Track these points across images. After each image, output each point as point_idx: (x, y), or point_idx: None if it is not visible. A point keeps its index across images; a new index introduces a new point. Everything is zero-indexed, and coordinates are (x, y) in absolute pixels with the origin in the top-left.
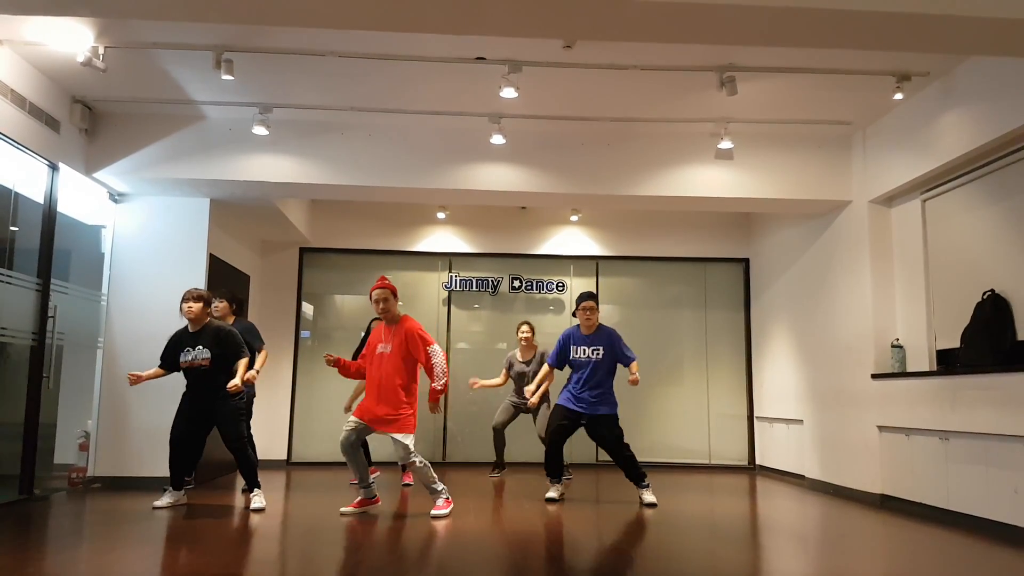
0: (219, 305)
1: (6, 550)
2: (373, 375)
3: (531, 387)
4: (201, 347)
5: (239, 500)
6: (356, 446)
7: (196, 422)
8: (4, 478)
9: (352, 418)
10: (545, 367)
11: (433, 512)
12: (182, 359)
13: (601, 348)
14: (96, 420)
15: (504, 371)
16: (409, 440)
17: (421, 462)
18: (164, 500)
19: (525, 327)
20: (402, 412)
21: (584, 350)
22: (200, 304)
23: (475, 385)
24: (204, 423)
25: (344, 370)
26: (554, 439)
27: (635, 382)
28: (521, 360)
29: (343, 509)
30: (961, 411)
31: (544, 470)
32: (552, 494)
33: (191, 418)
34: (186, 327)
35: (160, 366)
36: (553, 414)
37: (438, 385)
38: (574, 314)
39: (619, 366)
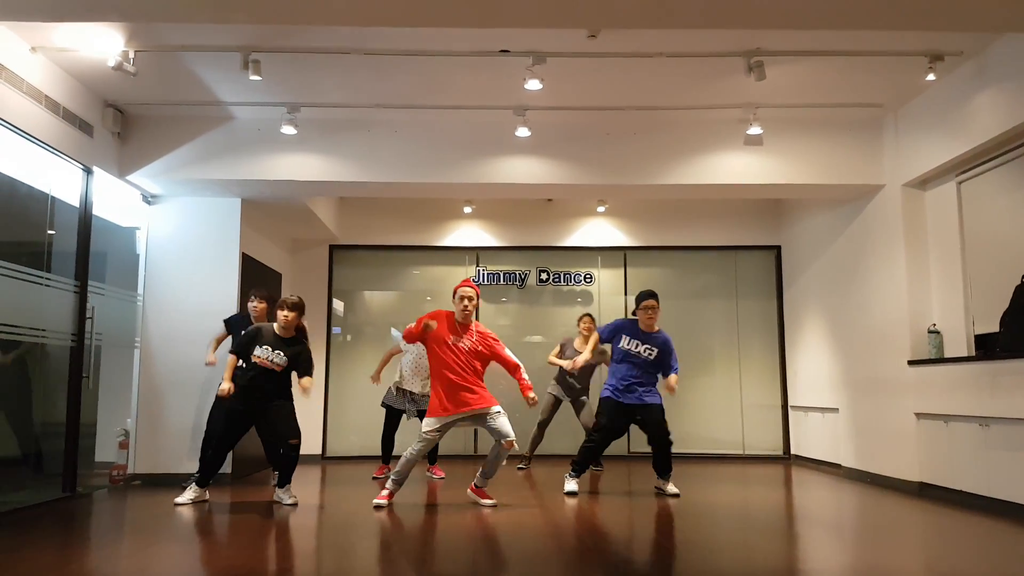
0: (258, 306)
1: (51, 546)
2: (450, 364)
3: (581, 358)
4: (281, 352)
5: (275, 495)
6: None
7: (241, 422)
8: (48, 476)
9: (443, 419)
10: (596, 335)
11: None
12: (257, 353)
13: (656, 350)
14: (135, 418)
15: (558, 348)
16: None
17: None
18: (187, 496)
19: (588, 319)
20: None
21: (639, 345)
22: (295, 313)
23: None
24: (247, 424)
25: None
26: (607, 438)
27: (672, 390)
28: (578, 350)
29: (376, 501)
30: (1001, 396)
31: (572, 462)
32: (573, 487)
33: (237, 419)
34: (266, 327)
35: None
36: (608, 413)
37: (527, 379)
38: (634, 313)
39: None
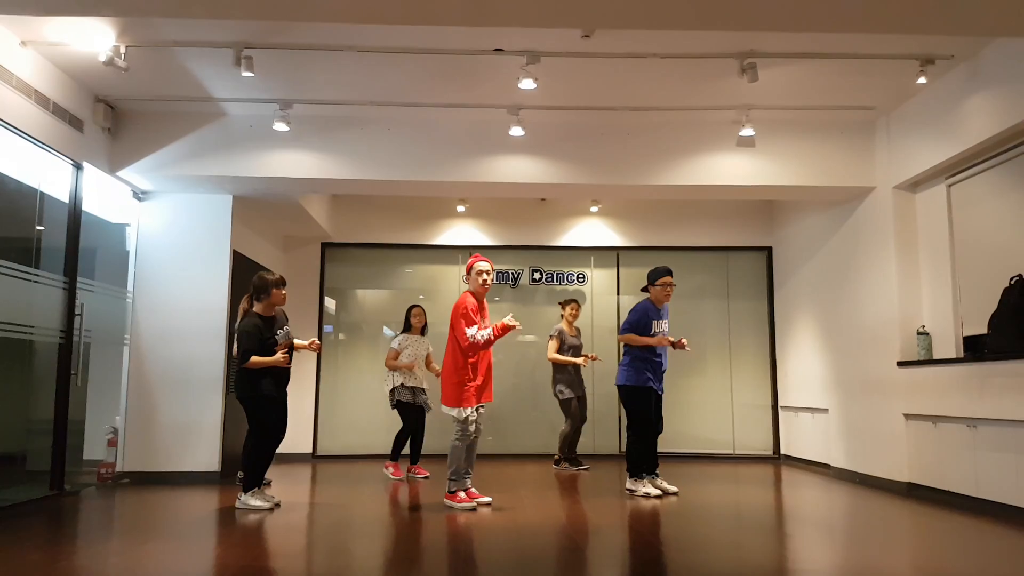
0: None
1: (38, 545)
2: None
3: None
4: (287, 327)
5: (270, 492)
6: None
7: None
8: (35, 474)
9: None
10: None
11: (445, 500)
12: (283, 338)
13: (668, 322)
14: (124, 416)
15: (555, 342)
16: (454, 413)
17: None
18: (258, 500)
19: (575, 304)
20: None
21: (664, 324)
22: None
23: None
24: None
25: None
26: (651, 429)
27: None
28: (573, 336)
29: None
30: (989, 398)
31: (627, 469)
32: (650, 489)
33: (281, 406)
34: (258, 315)
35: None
36: (647, 404)
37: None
38: (645, 289)
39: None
